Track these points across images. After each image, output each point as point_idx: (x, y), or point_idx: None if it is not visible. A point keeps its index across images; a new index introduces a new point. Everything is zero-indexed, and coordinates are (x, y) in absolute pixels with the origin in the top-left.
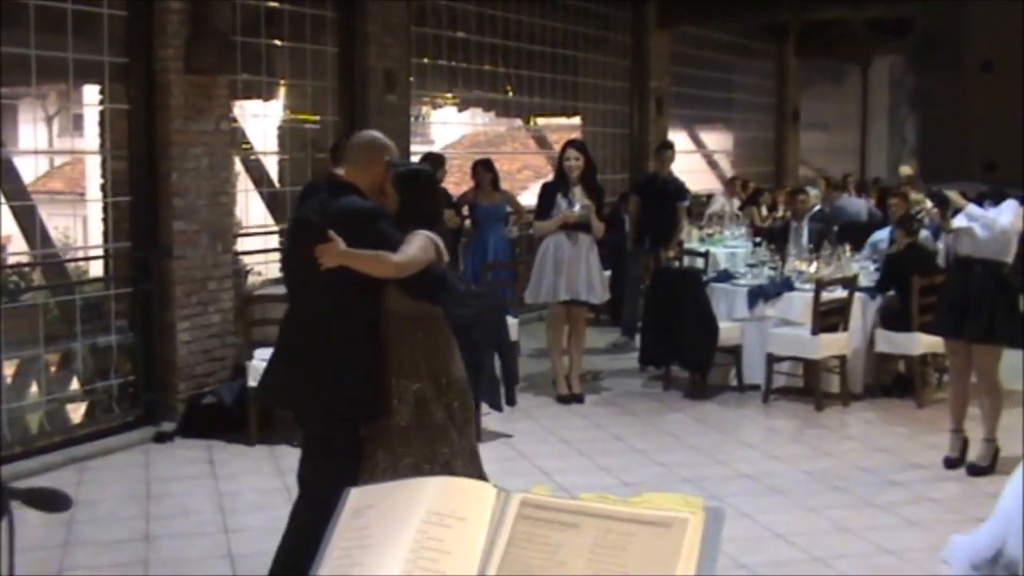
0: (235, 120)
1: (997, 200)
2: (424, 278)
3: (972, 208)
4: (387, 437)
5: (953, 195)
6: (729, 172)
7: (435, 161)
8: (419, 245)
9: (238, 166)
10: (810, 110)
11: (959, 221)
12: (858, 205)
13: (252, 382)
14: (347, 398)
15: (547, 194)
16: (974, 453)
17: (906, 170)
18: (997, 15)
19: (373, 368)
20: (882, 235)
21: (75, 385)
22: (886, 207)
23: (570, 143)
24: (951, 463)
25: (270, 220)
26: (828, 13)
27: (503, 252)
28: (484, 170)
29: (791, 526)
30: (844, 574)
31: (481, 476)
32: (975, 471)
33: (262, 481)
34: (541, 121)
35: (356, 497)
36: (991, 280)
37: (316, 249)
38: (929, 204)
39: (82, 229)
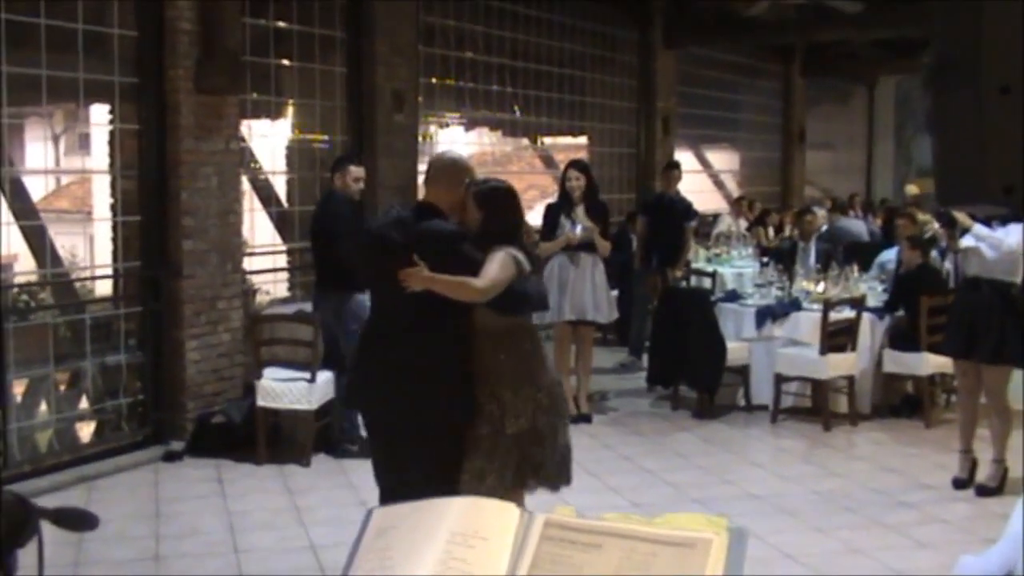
0: (244, 139)
1: (1005, 221)
2: (506, 297)
3: (979, 228)
4: (475, 446)
5: (960, 216)
6: (736, 192)
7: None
8: (499, 265)
9: (247, 185)
10: (816, 130)
11: (966, 241)
12: (859, 226)
13: (261, 401)
14: (439, 409)
15: (551, 214)
16: (983, 474)
17: (912, 189)
18: (1014, 39)
19: (463, 378)
20: (890, 255)
21: (84, 404)
22: (892, 227)
23: (572, 163)
24: (960, 484)
25: (278, 239)
26: (834, 35)
27: None
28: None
29: (801, 547)
30: None
31: (568, 478)
32: (984, 492)
33: (271, 500)
34: (548, 141)
35: (379, 517)
36: (999, 300)
37: (401, 273)
38: (936, 224)
39: (88, 248)
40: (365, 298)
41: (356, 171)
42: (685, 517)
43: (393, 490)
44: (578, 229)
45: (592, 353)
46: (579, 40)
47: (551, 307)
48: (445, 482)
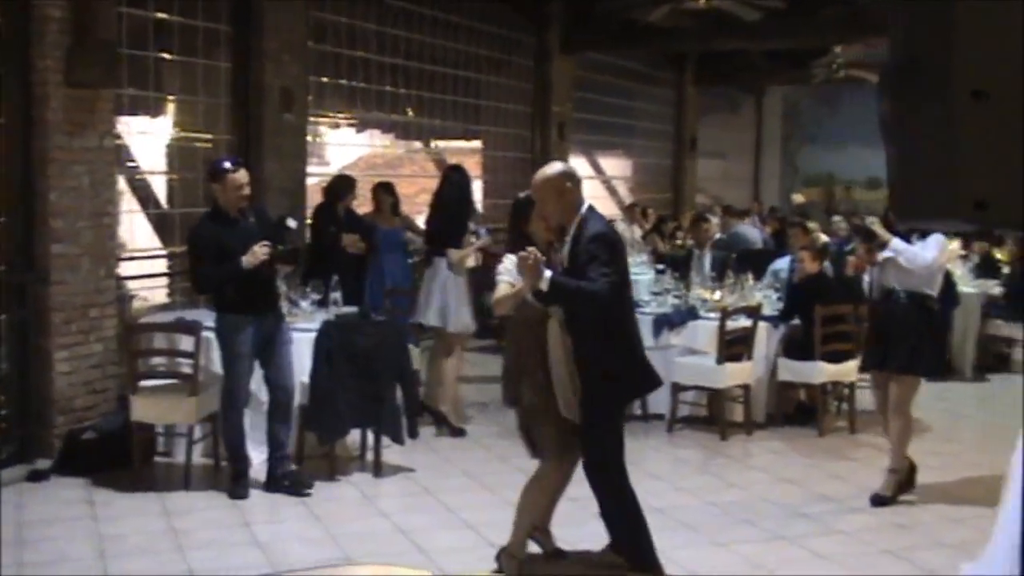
0: (120, 137)
1: (924, 235)
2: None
3: (897, 243)
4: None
5: (880, 230)
6: (628, 199)
7: (346, 183)
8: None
9: (123, 186)
10: (707, 138)
11: (885, 254)
12: (755, 233)
13: (136, 415)
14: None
15: (455, 222)
16: (878, 483)
17: (798, 198)
18: (990, 39)
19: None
20: (782, 263)
21: None
22: (783, 235)
23: (455, 167)
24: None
25: (157, 243)
26: (731, 44)
27: (403, 278)
28: (385, 193)
29: (703, 563)
30: None
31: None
32: (879, 501)
33: (147, 523)
34: (441, 144)
35: None
36: (915, 312)
37: None
38: (824, 237)
39: None
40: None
41: (235, 178)
42: None
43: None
44: (483, 232)
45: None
46: (475, 42)
47: (451, 318)
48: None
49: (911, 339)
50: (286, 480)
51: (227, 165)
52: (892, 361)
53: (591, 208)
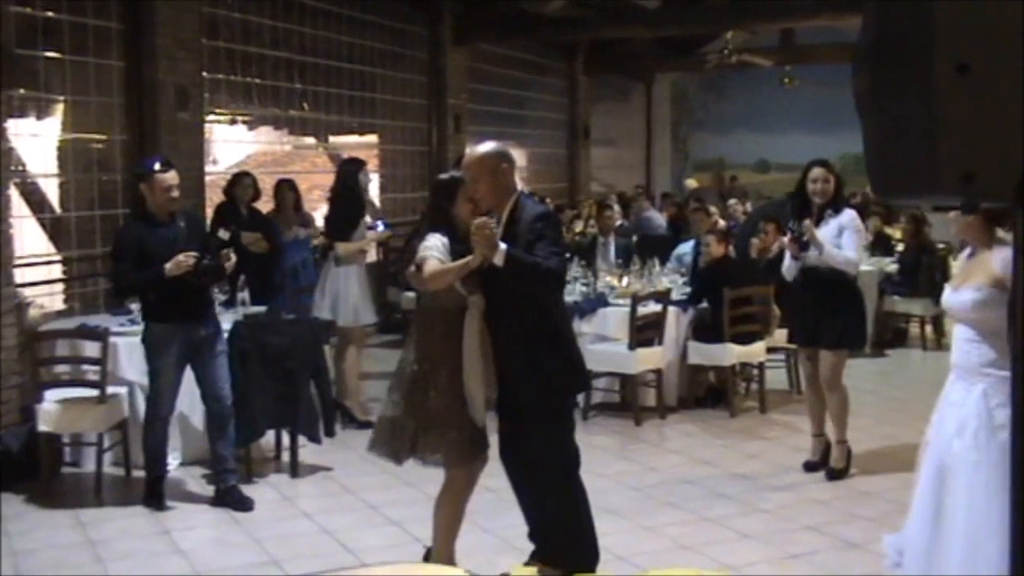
0: (9, 140)
1: (837, 209)
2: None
3: (829, 249)
4: None
5: (816, 234)
6: (524, 189)
7: (251, 182)
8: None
9: (13, 191)
10: (599, 126)
11: (811, 254)
12: (660, 218)
13: (42, 426)
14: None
15: (349, 216)
16: (830, 456)
17: (691, 183)
18: (973, 13)
19: None
20: (686, 248)
21: None
22: (682, 221)
23: (353, 160)
24: (812, 466)
25: (52, 248)
26: (625, 32)
27: (313, 276)
28: (287, 190)
29: (632, 547)
30: None
31: None
32: (833, 475)
33: (61, 536)
34: (338, 140)
35: None
36: (839, 287)
37: None
38: (722, 221)
39: None
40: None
41: (163, 179)
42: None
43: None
44: (380, 225)
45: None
46: (369, 35)
47: (350, 313)
48: None
49: (840, 314)
50: (229, 496)
51: (156, 166)
52: (824, 337)
53: (525, 192)
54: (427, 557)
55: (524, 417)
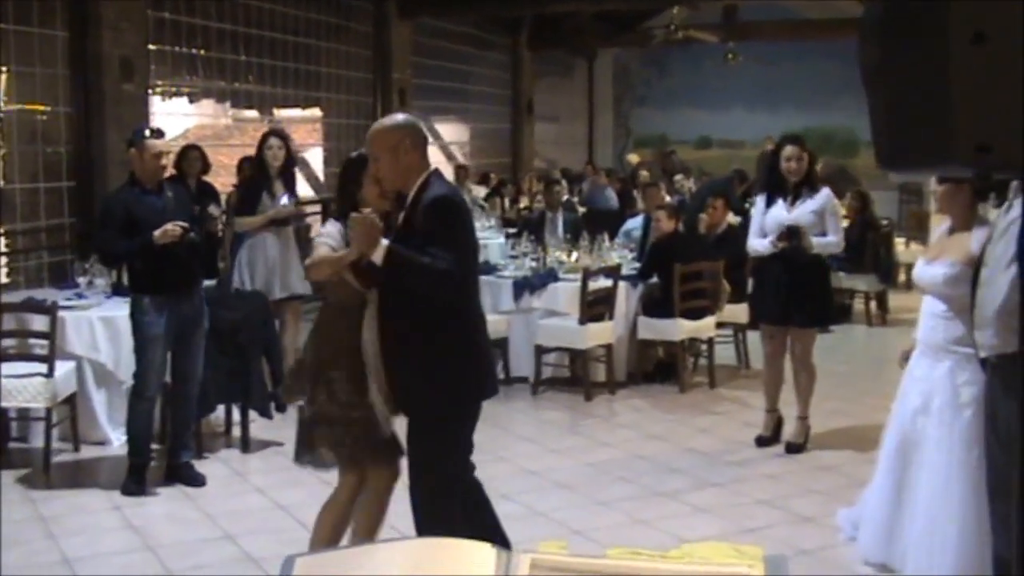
0: None
1: (812, 187)
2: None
3: (817, 241)
4: None
5: (808, 236)
6: (468, 164)
7: (198, 155)
8: None
9: None
10: (542, 102)
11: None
12: (613, 193)
13: None
14: None
15: (250, 188)
16: (789, 432)
17: (633, 158)
18: None
19: None
20: (634, 223)
21: None
22: (626, 197)
23: (272, 132)
24: (764, 441)
25: None
26: (567, 7)
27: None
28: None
29: (587, 521)
30: None
31: None
32: (792, 449)
33: (11, 512)
34: (282, 113)
35: (303, 567)
36: (810, 266)
37: None
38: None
39: None
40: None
41: (152, 144)
42: (708, 548)
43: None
44: (284, 199)
45: (300, 327)
46: (314, 8)
47: (262, 286)
48: None
49: (811, 293)
50: (182, 472)
51: (146, 132)
52: (796, 316)
53: (436, 172)
54: None
55: (410, 419)
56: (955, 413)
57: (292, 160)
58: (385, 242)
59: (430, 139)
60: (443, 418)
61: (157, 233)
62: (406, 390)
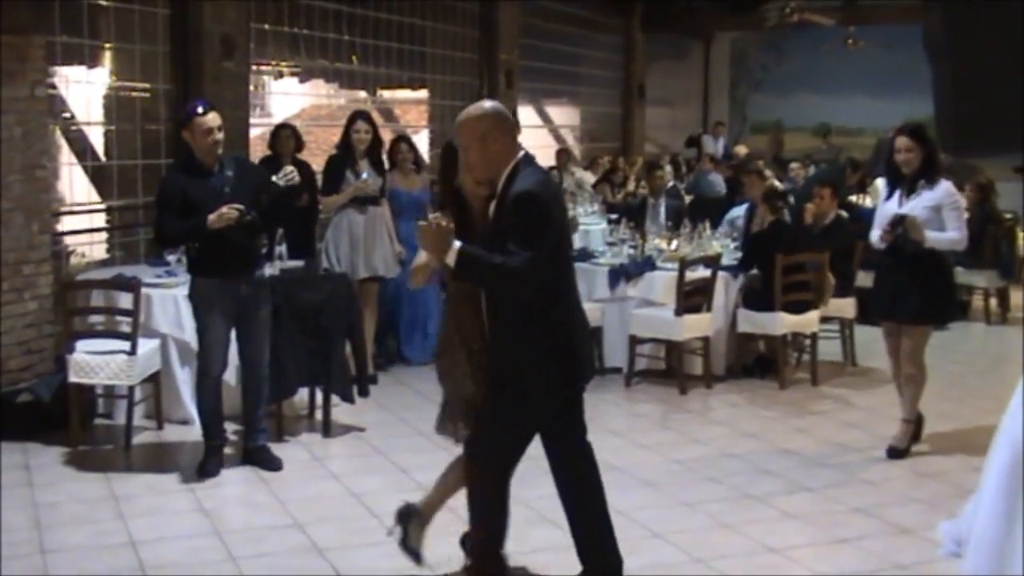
0: (54, 87)
1: (931, 181)
2: None
3: (932, 237)
4: None
5: (918, 227)
6: (577, 148)
7: (290, 133)
8: None
9: (58, 137)
10: (654, 86)
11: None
12: (719, 180)
13: (74, 377)
14: None
15: (333, 167)
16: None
17: (740, 150)
18: None
19: None
20: (739, 211)
21: None
22: (737, 183)
23: (359, 114)
24: (897, 454)
25: (95, 196)
26: None
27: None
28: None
29: (669, 523)
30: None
31: None
32: (894, 453)
33: (85, 490)
34: (387, 94)
35: None
36: (923, 260)
37: None
38: (778, 184)
39: None
40: (211, 284)
41: (202, 121)
42: None
43: None
44: (365, 175)
45: (376, 311)
46: None
47: (346, 266)
48: None
49: (918, 289)
50: (257, 455)
51: (197, 109)
52: (903, 313)
53: (526, 158)
54: (463, 542)
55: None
56: None
57: (379, 141)
58: (457, 244)
59: (540, 122)
60: (512, 400)
61: (212, 217)
62: (502, 369)
